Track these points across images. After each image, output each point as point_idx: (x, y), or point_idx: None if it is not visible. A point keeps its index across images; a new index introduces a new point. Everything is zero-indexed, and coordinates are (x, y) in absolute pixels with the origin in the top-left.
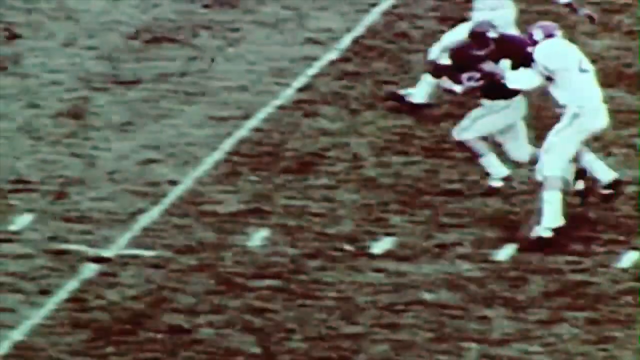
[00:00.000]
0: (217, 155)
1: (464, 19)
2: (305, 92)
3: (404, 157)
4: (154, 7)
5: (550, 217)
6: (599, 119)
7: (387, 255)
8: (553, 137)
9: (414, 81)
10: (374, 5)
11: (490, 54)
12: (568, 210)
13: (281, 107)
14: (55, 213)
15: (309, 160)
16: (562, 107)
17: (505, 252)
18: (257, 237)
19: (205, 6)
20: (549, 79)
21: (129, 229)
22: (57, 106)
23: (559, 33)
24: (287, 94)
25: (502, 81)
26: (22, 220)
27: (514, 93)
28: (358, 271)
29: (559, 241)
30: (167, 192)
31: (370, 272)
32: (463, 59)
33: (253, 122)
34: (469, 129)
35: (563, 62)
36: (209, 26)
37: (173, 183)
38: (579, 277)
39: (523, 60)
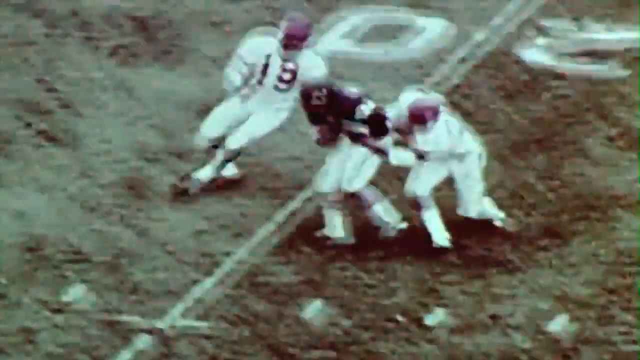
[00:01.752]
0: (271, 226)
1: (520, 91)
2: None
3: (459, 229)
4: (208, 78)
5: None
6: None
7: (441, 326)
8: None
9: None
10: (427, 75)
11: (321, 108)
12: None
13: None
14: (109, 284)
15: (363, 231)
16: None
17: (558, 323)
18: (311, 308)
19: None
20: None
21: (183, 300)
22: (111, 177)
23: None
24: None
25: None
26: (75, 291)
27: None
28: (411, 342)
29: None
30: (221, 263)
31: (423, 344)
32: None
33: (306, 194)
34: (357, 178)
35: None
36: None
37: (227, 254)
38: (631, 347)
39: (348, 114)
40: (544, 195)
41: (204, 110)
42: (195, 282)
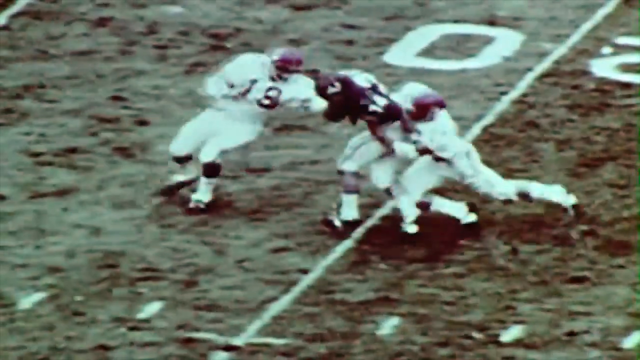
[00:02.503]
0: (348, 243)
1: (594, 107)
2: None
3: (534, 246)
4: None
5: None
6: None
7: (517, 343)
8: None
9: (543, 170)
10: (504, 93)
11: (338, 97)
12: None
13: None
14: (185, 301)
15: (439, 248)
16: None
17: (633, 340)
18: (387, 325)
19: None
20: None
21: (259, 317)
22: (187, 194)
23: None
24: None
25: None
26: (151, 309)
27: None
28: (488, 359)
29: None
30: (297, 280)
31: None
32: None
33: (382, 210)
34: (351, 159)
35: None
36: None
37: (303, 271)
38: None
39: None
40: (619, 211)
41: (280, 128)
42: (271, 299)
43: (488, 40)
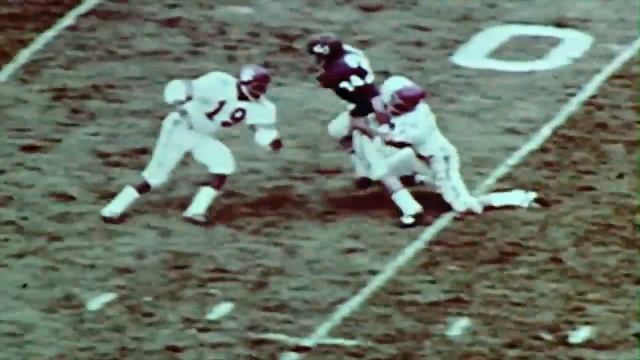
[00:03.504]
0: (418, 245)
1: None
2: (505, 182)
3: (603, 247)
4: None
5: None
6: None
7: (586, 344)
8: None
9: (612, 172)
10: (573, 95)
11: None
12: None
13: None
14: (255, 302)
15: (509, 250)
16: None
17: None
18: (458, 327)
19: None
20: None
21: (329, 319)
22: (257, 195)
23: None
24: (487, 184)
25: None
26: (221, 310)
27: None
28: None
29: None
30: (367, 281)
31: None
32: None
33: (452, 212)
34: (382, 166)
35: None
36: None
37: (374, 273)
38: None
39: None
40: None
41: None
42: (342, 300)
43: (557, 42)
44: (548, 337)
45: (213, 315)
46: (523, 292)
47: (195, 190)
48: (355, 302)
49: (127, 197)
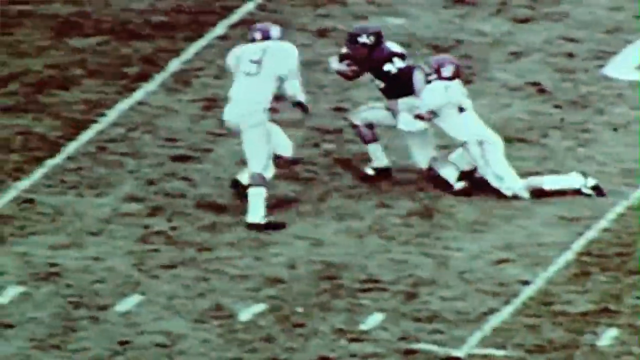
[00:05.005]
0: (568, 255)
1: None
2: None
3: None
4: (506, 107)
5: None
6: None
7: None
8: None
9: None
10: None
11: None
12: None
13: (630, 208)
14: (406, 313)
15: None
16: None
17: None
18: (607, 337)
19: (556, 106)
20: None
21: (480, 329)
22: (408, 206)
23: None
24: (636, 195)
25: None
26: (372, 320)
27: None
28: None
29: None
30: (518, 292)
31: None
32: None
33: (603, 223)
34: (359, 115)
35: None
36: (559, 126)
37: (524, 283)
38: None
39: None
40: None
41: (505, 139)
42: (493, 310)
43: None
44: None
45: (364, 326)
46: None
47: (349, 199)
48: (505, 312)
49: (259, 197)
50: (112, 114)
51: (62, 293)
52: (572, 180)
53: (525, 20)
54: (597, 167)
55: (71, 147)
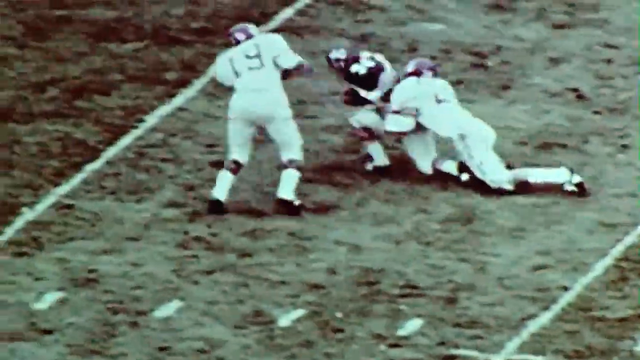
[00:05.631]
0: (607, 261)
1: None
2: None
3: None
4: (545, 113)
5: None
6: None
7: None
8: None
9: None
10: None
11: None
12: None
13: None
14: (445, 318)
15: None
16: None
17: None
18: None
19: (596, 112)
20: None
21: (519, 334)
22: (447, 211)
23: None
24: None
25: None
26: (411, 325)
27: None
28: None
29: None
30: (557, 297)
31: None
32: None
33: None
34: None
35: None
36: (599, 132)
37: (563, 289)
38: None
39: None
40: None
41: (541, 146)
42: (532, 316)
43: None
44: None
45: (403, 331)
46: None
47: (388, 205)
48: (544, 318)
49: (294, 178)
50: (151, 120)
51: (102, 299)
52: (557, 174)
53: (564, 26)
54: (636, 172)
55: (110, 153)
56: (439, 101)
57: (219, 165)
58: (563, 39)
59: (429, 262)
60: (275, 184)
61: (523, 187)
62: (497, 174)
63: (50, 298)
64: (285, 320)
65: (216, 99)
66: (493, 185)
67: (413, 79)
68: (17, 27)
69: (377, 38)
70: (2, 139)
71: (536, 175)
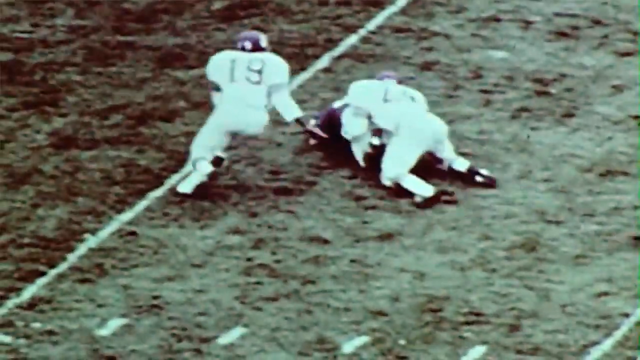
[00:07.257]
0: None
1: None
2: None
3: None
4: (609, 140)
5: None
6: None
7: None
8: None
9: None
10: None
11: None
12: None
13: None
14: (508, 345)
15: None
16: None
17: None
18: None
19: None
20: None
21: None
22: (511, 238)
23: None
24: None
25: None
26: (475, 353)
27: None
28: None
29: None
30: (619, 324)
31: None
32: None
33: None
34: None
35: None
36: None
37: (625, 315)
38: None
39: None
40: None
41: (604, 174)
42: (594, 343)
43: None
44: None
45: (467, 358)
46: None
47: (452, 232)
48: (606, 345)
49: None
50: None
51: (165, 325)
52: (419, 186)
53: (627, 54)
54: None
55: (174, 180)
56: (386, 100)
57: (283, 192)
58: (626, 67)
59: (493, 290)
60: (341, 210)
61: (397, 189)
62: (389, 171)
63: (114, 325)
64: (348, 347)
65: (280, 125)
66: (382, 179)
67: (365, 80)
68: (80, 52)
69: (441, 65)
70: (66, 165)
71: (407, 182)
